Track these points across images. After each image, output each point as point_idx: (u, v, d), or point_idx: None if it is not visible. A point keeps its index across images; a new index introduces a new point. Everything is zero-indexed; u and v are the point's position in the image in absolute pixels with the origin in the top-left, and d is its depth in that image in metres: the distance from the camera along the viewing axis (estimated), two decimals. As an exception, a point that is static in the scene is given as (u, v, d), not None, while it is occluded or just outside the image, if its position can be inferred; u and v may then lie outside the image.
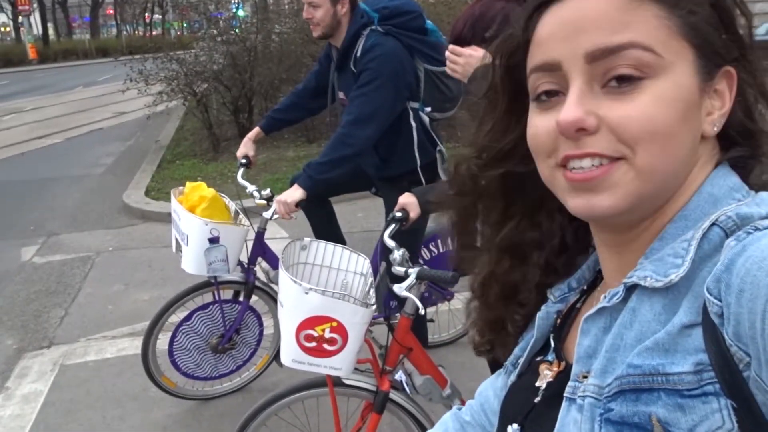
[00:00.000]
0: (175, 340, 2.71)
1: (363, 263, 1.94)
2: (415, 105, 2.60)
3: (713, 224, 0.50)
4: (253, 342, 2.89)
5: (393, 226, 1.90)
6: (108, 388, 3.04)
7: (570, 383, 0.56)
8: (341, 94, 2.71)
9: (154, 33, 40.18)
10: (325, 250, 1.93)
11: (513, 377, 0.70)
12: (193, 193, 2.52)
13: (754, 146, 0.56)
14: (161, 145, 9.20)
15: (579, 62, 0.51)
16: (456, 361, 3.07)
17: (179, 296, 2.67)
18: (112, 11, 48.74)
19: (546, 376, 0.63)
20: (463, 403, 1.93)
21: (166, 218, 5.83)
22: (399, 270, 1.67)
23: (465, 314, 0.79)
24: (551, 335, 0.67)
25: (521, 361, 0.70)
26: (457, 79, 2.75)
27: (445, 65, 2.65)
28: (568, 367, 0.59)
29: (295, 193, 2.39)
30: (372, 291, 1.71)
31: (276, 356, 2.90)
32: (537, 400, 0.63)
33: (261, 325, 2.87)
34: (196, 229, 2.39)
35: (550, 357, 0.65)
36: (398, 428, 2.30)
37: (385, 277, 1.93)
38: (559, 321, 0.67)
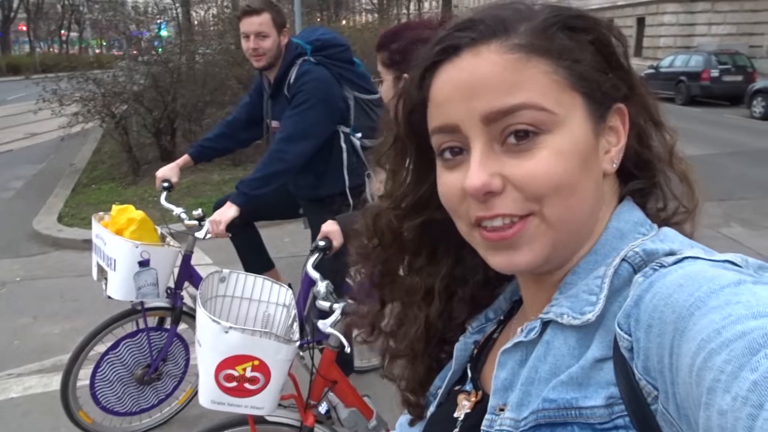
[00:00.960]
0: (99, 370, 2.56)
1: (285, 294, 1.90)
2: (347, 129, 2.72)
3: (623, 260, 0.52)
4: (178, 373, 2.77)
5: (316, 255, 1.88)
6: (13, 431, 2.82)
7: (487, 416, 0.57)
8: (275, 123, 2.76)
9: (71, 51, 38.55)
10: (245, 282, 1.88)
11: (432, 408, 0.71)
12: (120, 215, 2.42)
13: (650, 176, 0.60)
14: (76, 168, 8.78)
15: (477, 124, 0.53)
16: (381, 388, 3.05)
17: (106, 323, 2.54)
18: (24, 27, 46.43)
19: (464, 406, 0.64)
20: (389, 433, 1.93)
21: (81, 245, 5.58)
22: (323, 305, 1.65)
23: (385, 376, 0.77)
24: (468, 365, 0.68)
25: (440, 391, 0.70)
26: (381, 107, 2.85)
27: (371, 94, 2.76)
28: (486, 396, 0.60)
29: (229, 210, 2.38)
30: (296, 325, 1.68)
31: (200, 389, 2.80)
32: (455, 431, 0.63)
33: (188, 354, 2.76)
34: (125, 252, 2.29)
35: (468, 387, 0.66)
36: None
37: (313, 306, 1.90)
38: (476, 351, 0.68)
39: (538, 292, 0.60)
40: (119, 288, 2.32)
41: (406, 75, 1.73)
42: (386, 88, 1.68)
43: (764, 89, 12.88)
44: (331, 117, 2.61)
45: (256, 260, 2.94)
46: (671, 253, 0.50)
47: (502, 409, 0.55)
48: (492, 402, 0.57)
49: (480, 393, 0.63)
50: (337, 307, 1.60)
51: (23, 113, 12.42)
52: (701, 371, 0.38)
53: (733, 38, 20.18)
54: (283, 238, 5.17)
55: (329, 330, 1.58)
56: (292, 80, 2.59)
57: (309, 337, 1.84)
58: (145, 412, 2.75)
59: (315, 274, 1.80)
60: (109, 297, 2.36)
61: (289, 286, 1.97)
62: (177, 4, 10.86)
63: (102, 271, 2.40)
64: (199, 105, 8.28)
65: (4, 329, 3.87)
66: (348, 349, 1.55)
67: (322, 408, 1.80)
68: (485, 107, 0.52)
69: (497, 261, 0.55)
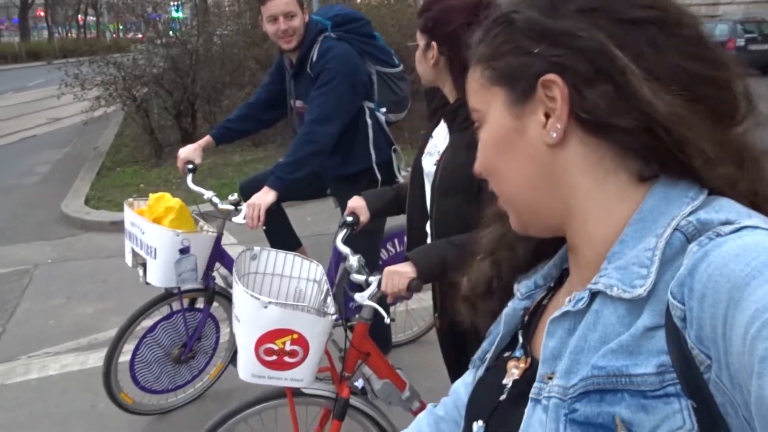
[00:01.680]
0: (138, 353, 2.63)
1: (315, 269, 1.93)
2: (371, 104, 2.71)
3: (675, 230, 0.52)
4: (209, 350, 2.84)
5: (344, 230, 1.90)
6: (52, 408, 2.91)
7: (536, 384, 0.57)
8: (298, 102, 2.76)
9: (88, 35, 38.73)
10: (276, 259, 1.91)
11: (480, 372, 0.72)
12: (157, 204, 2.45)
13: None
14: (100, 151, 8.89)
15: None
16: (413, 361, 3.09)
17: (145, 307, 2.59)
18: (42, 13, 46.68)
19: (513, 374, 0.65)
20: (422, 404, 1.95)
21: (108, 227, 5.67)
22: (358, 278, 1.66)
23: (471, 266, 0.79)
24: (519, 331, 0.69)
25: (489, 356, 0.71)
26: (407, 81, 2.83)
27: (393, 68, 2.75)
28: (535, 363, 0.61)
29: (267, 195, 2.40)
30: (330, 299, 1.70)
31: (231, 361, 2.85)
32: (503, 397, 0.64)
33: (218, 332, 2.83)
34: (166, 241, 2.33)
35: (518, 353, 0.67)
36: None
37: (344, 280, 1.92)
38: (526, 318, 0.69)
39: (579, 262, 0.61)
40: (161, 275, 2.37)
41: (434, 42, 1.70)
42: (419, 55, 1.66)
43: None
44: (357, 93, 2.60)
45: (285, 241, 2.97)
46: (727, 223, 0.49)
47: (550, 377, 0.56)
48: (541, 370, 0.57)
49: (529, 360, 0.64)
50: (373, 279, 1.61)
51: (45, 99, 12.59)
52: (754, 341, 0.39)
53: (759, 6, 19.59)
54: (305, 217, 5.20)
55: (367, 302, 1.60)
56: (314, 58, 2.57)
57: (337, 314, 1.86)
58: (180, 389, 2.83)
59: (345, 249, 1.81)
60: (148, 283, 2.41)
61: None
62: (192, -15, 10.81)
63: (137, 257, 2.44)
64: (218, 86, 8.30)
65: (39, 310, 3.97)
66: (387, 320, 1.56)
67: (358, 382, 1.83)
68: None
69: None
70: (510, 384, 0.64)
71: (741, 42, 14.33)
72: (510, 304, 0.70)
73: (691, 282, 0.46)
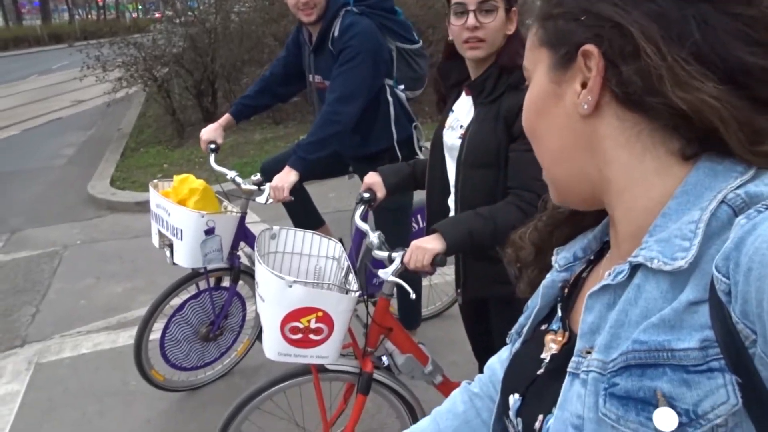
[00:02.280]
0: (167, 331, 2.69)
1: (335, 247, 1.94)
2: (390, 82, 2.67)
3: (721, 202, 0.50)
4: (236, 328, 2.90)
5: (362, 207, 1.90)
6: (86, 385, 3.00)
7: (574, 358, 0.57)
8: (318, 78, 2.72)
9: (108, 17, 38.91)
10: (294, 237, 1.92)
11: (517, 345, 0.71)
12: (182, 186, 2.47)
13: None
14: (124, 133, 8.99)
15: None
16: (437, 335, 3.11)
17: (173, 287, 2.65)
18: (62, -5, 47.01)
19: (551, 348, 0.64)
20: (445, 378, 1.97)
21: (134, 208, 5.76)
22: (381, 254, 1.66)
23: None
24: (558, 304, 0.68)
25: (525, 329, 0.70)
26: (426, 58, 2.78)
27: (413, 44, 2.70)
28: (573, 337, 0.60)
29: (289, 175, 2.40)
30: (351, 276, 1.71)
31: (258, 338, 2.90)
32: (540, 371, 0.63)
33: (245, 309, 2.87)
34: (191, 222, 2.36)
35: (555, 326, 0.66)
36: (381, 405, 2.33)
37: (367, 257, 1.92)
38: (566, 291, 0.68)
39: (619, 235, 0.59)
40: (187, 256, 2.41)
41: (514, 9, 1.67)
42: (498, 20, 1.60)
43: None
44: (379, 70, 2.57)
45: (308, 219, 2.98)
46: None
47: (588, 352, 0.55)
48: (579, 345, 0.57)
49: (567, 334, 0.63)
50: (396, 255, 1.61)
51: (68, 81, 12.74)
52: None
53: None
54: (327, 194, 5.22)
55: (390, 278, 1.60)
56: (336, 33, 2.53)
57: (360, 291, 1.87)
58: (208, 366, 2.89)
59: (364, 226, 1.82)
60: (175, 264, 2.45)
61: (340, 241, 1.99)
62: (209, -37, 10.74)
63: (164, 239, 2.48)
64: (237, 64, 8.29)
65: (70, 290, 4.07)
66: (413, 296, 1.57)
67: (383, 358, 1.85)
68: None
69: None
70: (548, 358, 0.64)
71: None
72: (548, 275, 0.69)
73: (738, 255, 0.44)
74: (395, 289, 1.78)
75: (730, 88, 0.49)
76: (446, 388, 1.95)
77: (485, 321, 1.90)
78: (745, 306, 0.43)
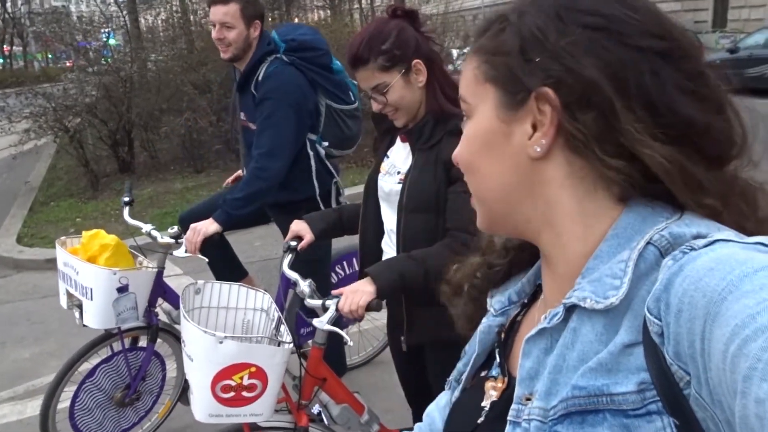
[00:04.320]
0: (77, 400, 2.48)
1: (262, 298, 1.88)
2: (313, 137, 2.64)
3: (648, 243, 0.51)
4: (156, 389, 2.72)
5: (290, 255, 1.87)
6: (-12, 463, 2.72)
7: (513, 406, 0.56)
8: (243, 116, 2.68)
9: (15, 66, 37.25)
10: (220, 291, 1.85)
11: (457, 393, 0.70)
12: (91, 242, 2.34)
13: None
14: (32, 186, 8.51)
15: None
16: (368, 382, 3.05)
17: (83, 350, 2.46)
18: (-37, 44, 44.63)
19: (491, 395, 0.63)
20: (382, 427, 1.92)
21: (43, 266, 5.41)
22: (314, 303, 1.63)
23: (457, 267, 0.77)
24: (496, 350, 0.67)
25: (464, 376, 0.69)
26: (359, 120, 2.79)
27: (347, 105, 2.72)
28: (512, 382, 0.59)
29: (210, 226, 2.33)
30: (283, 327, 1.65)
31: (180, 398, 2.75)
32: (481, 420, 0.62)
33: (164, 369, 2.71)
34: (102, 280, 2.23)
35: (495, 372, 0.65)
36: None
37: (294, 306, 1.88)
38: (503, 335, 0.67)
39: (553, 277, 0.59)
40: (98, 317, 2.26)
41: (417, 61, 1.68)
42: (397, 91, 1.60)
43: (711, 63, 13.27)
44: (303, 125, 2.54)
45: (231, 273, 2.88)
46: (699, 236, 0.49)
47: (528, 399, 0.54)
48: (518, 392, 0.56)
49: (506, 379, 0.62)
50: (331, 303, 1.58)
51: (-30, 134, 11.98)
52: (736, 358, 0.38)
53: (678, 15, 20.76)
54: (253, 242, 5.10)
55: (326, 327, 1.56)
56: (260, 77, 2.51)
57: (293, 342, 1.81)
58: (126, 432, 2.69)
59: (293, 275, 1.78)
60: (85, 325, 2.29)
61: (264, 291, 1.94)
62: (124, 12, 10.57)
63: (72, 299, 2.33)
64: (155, 113, 8.12)
65: (-30, 358, 3.73)
66: (350, 343, 1.53)
67: (314, 409, 1.78)
68: None
69: None
70: (488, 407, 0.62)
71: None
72: (484, 320, 0.69)
73: (667, 297, 0.45)
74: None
75: (678, 142, 0.51)
76: (384, 436, 1.90)
77: (420, 366, 1.88)
78: (678, 347, 0.44)
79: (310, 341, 1.78)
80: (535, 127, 0.55)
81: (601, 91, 0.51)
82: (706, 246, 0.47)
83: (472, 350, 0.69)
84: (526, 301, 0.68)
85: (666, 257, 0.49)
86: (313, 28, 3.04)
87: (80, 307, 2.29)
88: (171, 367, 2.77)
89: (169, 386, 2.81)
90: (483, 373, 0.67)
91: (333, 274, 2.93)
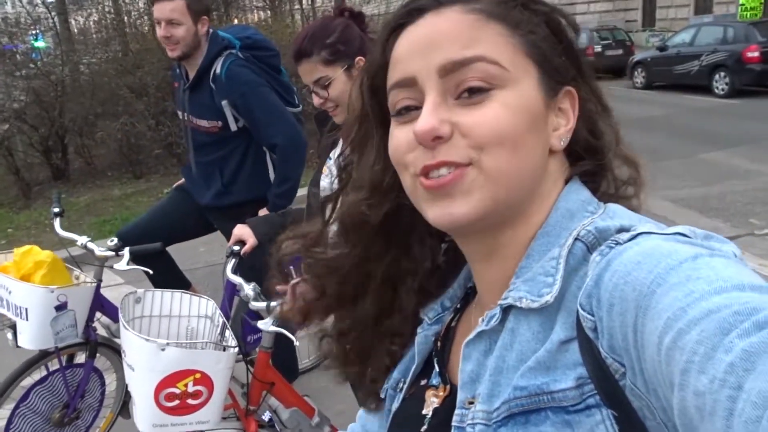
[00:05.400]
0: (12, 426, 2.35)
1: (206, 305, 1.85)
2: None
3: (576, 239, 0.52)
4: (96, 405, 2.62)
5: (233, 260, 1.86)
6: None
7: (457, 411, 0.55)
8: (191, 117, 2.63)
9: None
10: (162, 299, 1.81)
11: (396, 403, 0.68)
12: (25, 259, 2.21)
13: (599, 160, 0.60)
14: (-43, 197, 8.06)
15: (433, 76, 0.54)
16: (319, 386, 3.02)
17: (15, 374, 2.33)
18: None
19: (432, 402, 0.62)
20: (333, 429, 1.91)
21: (-27, 281, 5.12)
22: (259, 305, 1.61)
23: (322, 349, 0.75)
24: (435, 359, 0.66)
25: (403, 385, 0.68)
26: (302, 124, 2.77)
27: (293, 107, 2.69)
28: (454, 389, 0.59)
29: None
30: (228, 332, 1.63)
31: (120, 412, 2.66)
32: (423, 428, 0.61)
33: (103, 384, 2.61)
34: (39, 299, 2.12)
35: (435, 381, 0.64)
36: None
37: (240, 311, 1.86)
38: (439, 344, 0.66)
39: (492, 275, 0.59)
40: (35, 337, 2.15)
41: (360, 58, 1.67)
42: (338, 85, 1.59)
43: (643, 61, 13.83)
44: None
45: (172, 285, 2.81)
46: (623, 230, 0.50)
47: (471, 402, 0.54)
48: (461, 396, 0.56)
49: (448, 387, 0.62)
50: (275, 304, 1.57)
51: None
52: (671, 351, 0.38)
53: (610, 15, 21.53)
54: (198, 248, 4.98)
55: (272, 328, 1.55)
56: (218, 71, 2.46)
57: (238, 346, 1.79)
58: (67, 451, 2.58)
59: (237, 279, 1.76)
60: (19, 347, 2.18)
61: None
62: (53, 13, 10.15)
63: (3, 319, 2.22)
64: (90, 118, 7.85)
65: None
66: (297, 343, 1.52)
67: (265, 415, 1.76)
68: (442, 58, 0.53)
69: (435, 213, 0.55)
70: (430, 414, 0.62)
71: (598, 48, 15.59)
72: (420, 331, 0.67)
73: (598, 292, 0.46)
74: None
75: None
76: (335, 438, 1.89)
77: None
78: (612, 341, 0.45)
79: (257, 348, 1.76)
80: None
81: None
82: (630, 239, 0.48)
83: (409, 359, 0.68)
84: (459, 306, 0.67)
85: (593, 252, 0.50)
86: (259, 31, 3.02)
87: (13, 327, 2.17)
88: (110, 380, 2.68)
89: (110, 399, 2.71)
90: (422, 382, 0.66)
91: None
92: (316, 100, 1.65)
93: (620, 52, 15.66)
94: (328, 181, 1.78)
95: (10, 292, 2.13)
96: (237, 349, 1.57)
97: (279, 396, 1.79)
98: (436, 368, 0.65)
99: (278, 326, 1.57)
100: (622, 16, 21.28)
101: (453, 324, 0.66)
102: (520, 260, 0.55)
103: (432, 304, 0.68)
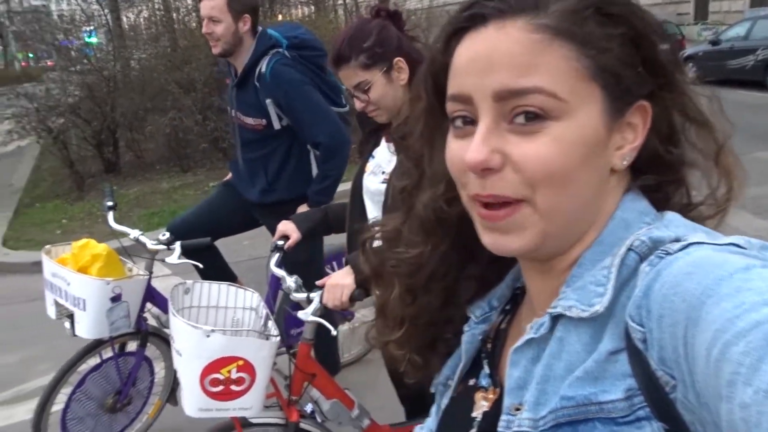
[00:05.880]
0: (69, 411, 2.47)
1: (251, 297, 1.89)
2: None
3: (629, 249, 0.51)
4: (145, 392, 2.72)
5: (277, 255, 1.89)
6: (-22, 469, 2.70)
7: (503, 417, 0.55)
8: (238, 113, 2.67)
9: (-5, 67, 36.74)
10: (209, 290, 1.86)
11: (446, 400, 0.68)
12: (82, 252, 2.31)
13: (666, 176, 0.58)
14: (16, 188, 8.41)
15: (488, 99, 0.52)
16: (360, 380, 3.05)
17: (72, 361, 2.44)
18: (-59, 45, 43.90)
19: (482, 406, 0.62)
20: (372, 422, 1.93)
21: (30, 269, 5.35)
22: (299, 297, 1.65)
23: (372, 340, 0.75)
24: (484, 360, 0.66)
25: (452, 383, 0.68)
26: (348, 125, 2.80)
27: (340, 107, 2.72)
28: (503, 392, 0.59)
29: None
30: (271, 322, 1.67)
31: (168, 399, 2.75)
32: (472, 431, 0.61)
33: (153, 372, 2.71)
34: (96, 291, 2.21)
35: (484, 382, 0.64)
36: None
37: (284, 304, 1.89)
38: (489, 345, 0.66)
39: (543, 284, 0.59)
40: (91, 327, 2.25)
41: (399, 58, 1.69)
42: (378, 89, 1.60)
43: (694, 55, 13.39)
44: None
45: (220, 279, 2.88)
46: (677, 240, 0.49)
47: (518, 409, 0.54)
48: (507, 402, 0.56)
49: (498, 390, 0.62)
50: (315, 295, 1.60)
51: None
52: (719, 363, 0.38)
53: (659, 8, 20.90)
54: (242, 241, 5.08)
55: (310, 318, 1.58)
56: (263, 69, 2.50)
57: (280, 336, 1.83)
58: (119, 436, 2.69)
59: (280, 272, 1.80)
60: (75, 335, 2.28)
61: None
62: (106, 10, 10.47)
63: (61, 309, 2.31)
64: (140, 113, 8.07)
65: (-43, 363, 3.69)
66: (334, 332, 1.55)
67: (307, 407, 1.80)
68: (498, 85, 0.51)
69: (488, 240, 0.55)
70: (480, 417, 0.62)
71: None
72: (466, 329, 0.67)
73: (648, 303, 0.46)
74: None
75: None
76: (375, 431, 1.91)
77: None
78: (662, 353, 0.44)
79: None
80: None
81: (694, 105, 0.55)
82: (680, 249, 0.47)
83: (458, 357, 0.68)
84: (507, 307, 0.67)
85: (644, 263, 0.49)
86: (310, 30, 3.04)
87: (71, 317, 2.27)
88: (158, 368, 2.76)
89: (158, 387, 2.80)
90: (471, 382, 0.66)
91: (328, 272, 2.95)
92: (357, 104, 1.66)
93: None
94: (371, 179, 1.79)
95: (68, 284, 2.22)
96: (279, 338, 1.60)
97: (320, 387, 1.82)
98: (485, 369, 0.65)
99: (317, 316, 1.60)
100: (673, 9, 20.63)
101: (503, 326, 0.66)
102: (572, 269, 0.55)
103: (479, 302, 0.67)
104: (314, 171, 2.65)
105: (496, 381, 0.62)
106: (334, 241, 2.58)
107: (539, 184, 0.51)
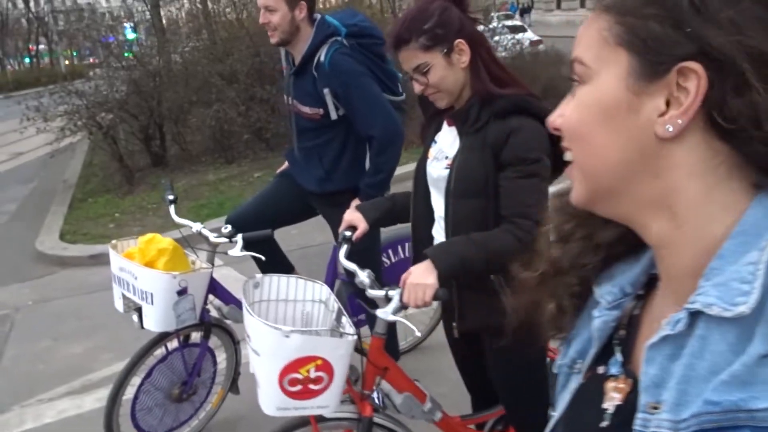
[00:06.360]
0: (138, 402, 2.53)
1: (320, 290, 1.88)
2: None
3: None
4: (209, 382, 2.78)
5: (346, 246, 1.86)
6: (53, 457, 2.80)
7: (640, 414, 0.52)
8: (295, 102, 2.67)
9: (41, 64, 37.89)
10: (278, 284, 1.86)
11: (574, 384, 0.66)
12: (148, 247, 2.36)
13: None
14: (70, 183, 8.66)
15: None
16: (417, 367, 3.03)
17: (139, 354, 2.50)
18: (-10, 46, 45.43)
19: (614, 398, 0.60)
20: (444, 414, 1.91)
21: (87, 262, 5.52)
22: (376, 294, 1.62)
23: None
24: (617, 347, 0.63)
25: (580, 367, 0.66)
26: (403, 111, 2.77)
27: (396, 96, 2.69)
28: (636, 384, 0.56)
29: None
30: (345, 318, 1.65)
31: (231, 388, 2.79)
32: (604, 424, 0.59)
33: (215, 362, 2.76)
34: (163, 284, 2.26)
35: (615, 371, 0.61)
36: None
37: (341, 297, 1.88)
38: (622, 331, 0.63)
39: (668, 273, 0.56)
40: (160, 320, 2.30)
41: (460, 40, 1.66)
42: (438, 71, 1.58)
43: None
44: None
45: (279, 270, 2.91)
46: None
47: (655, 408, 0.51)
48: (643, 399, 0.53)
49: (630, 381, 0.59)
50: (394, 293, 1.57)
51: (4, 133, 12.22)
52: None
53: None
54: (290, 230, 5.10)
55: (392, 318, 1.56)
56: (322, 58, 2.48)
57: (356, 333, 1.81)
58: (185, 424, 2.75)
59: (351, 266, 1.77)
60: (143, 328, 2.34)
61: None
62: (147, 6, 10.64)
63: (129, 302, 2.36)
64: (185, 106, 8.19)
65: (26, 354, 3.83)
66: (418, 333, 1.53)
67: (377, 399, 1.78)
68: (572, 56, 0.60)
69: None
70: (612, 409, 0.59)
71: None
72: (595, 313, 0.64)
73: None
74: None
75: None
76: (446, 424, 1.90)
77: (476, 352, 1.86)
78: None
79: (372, 331, 1.77)
80: (668, 103, 0.51)
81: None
82: None
83: (587, 342, 0.65)
84: (641, 292, 0.64)
85: None
86: (368, 18, 3.01)
87: (138, 310, 2.32)
88: (220, 358, 2.81)
89: (221, 376, 2.85)
90: (600, 369, 0.63)
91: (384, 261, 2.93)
92: (416, 87, 1.63)
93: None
94: (434, 165, 1.75)
95: (136, 278, 2.27)
96: (355, 337, 1.59)
97: (392, 381, 1.80)
98: (617, 356, 0.62)
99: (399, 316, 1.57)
100: None
101: (636, 312, 0.63)
102: (709, 258, 0.50)
103: (606, 284, 0.64)
104: (368, 162, 2.63)
105: (629, 371, 0.60)
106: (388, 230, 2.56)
107: (570, 142, 0.58)
